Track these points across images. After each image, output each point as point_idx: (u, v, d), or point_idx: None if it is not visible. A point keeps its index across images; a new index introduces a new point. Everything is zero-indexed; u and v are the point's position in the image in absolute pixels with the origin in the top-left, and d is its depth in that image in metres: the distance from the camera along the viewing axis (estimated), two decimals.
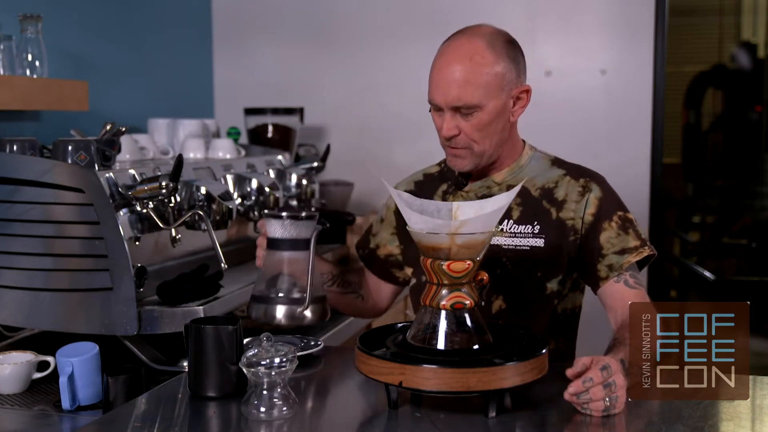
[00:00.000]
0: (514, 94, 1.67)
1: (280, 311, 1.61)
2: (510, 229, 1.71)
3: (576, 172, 1.75)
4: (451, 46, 1.67)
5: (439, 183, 1.84)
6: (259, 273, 1.68)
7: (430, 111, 1.72)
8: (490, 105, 1.64)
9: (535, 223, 1.70)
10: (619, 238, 1.68)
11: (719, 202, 5.20)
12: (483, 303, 1.44)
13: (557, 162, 1.78)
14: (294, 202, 2.52)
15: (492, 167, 1.75)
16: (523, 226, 1.71)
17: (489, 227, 1.37)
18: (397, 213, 1.86)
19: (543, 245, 1.69)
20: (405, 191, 1.82)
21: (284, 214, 1.63)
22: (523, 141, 1.79)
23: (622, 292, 1.66)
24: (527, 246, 1.69)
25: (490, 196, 1.70)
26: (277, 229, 1.63)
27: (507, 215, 1.71)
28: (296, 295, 1.63)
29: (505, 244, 1.70)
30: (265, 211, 1.65)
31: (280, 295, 1.63)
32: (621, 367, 1.34)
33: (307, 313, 1.62)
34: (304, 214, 1.64)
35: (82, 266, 1.80)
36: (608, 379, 1.30)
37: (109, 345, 1.76)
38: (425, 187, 1.85)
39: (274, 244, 1.64)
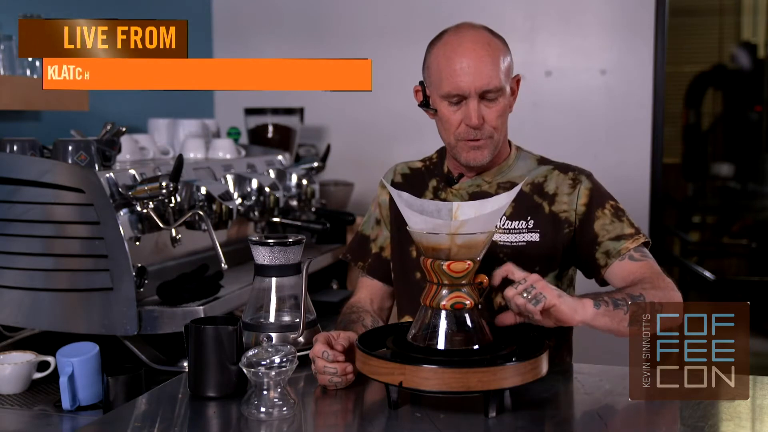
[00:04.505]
0: (512, 84, 1.71)
1: (274, 339, 1.60)
2: (503, 225, 1.71)
3: (563, 167, 1.77)
4: (461, 38, 1.66)
5: (427, 178, 1.82)
6: (250, 298, 1.67)
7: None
8: (507, 90, 1.67)
9: (529, 218, 1.71)
10: (613, 224, 1.68)
11: (719, 202, 5.20)
12: (480, 306, 1.43)
13: (543, 160, 1.79)
14: (294, 202, 2.52)
15: (483, 165, 1.75)
16: (517, 222, 1.71)
17: (489, 227, 1.37)
18: (391, 206, 1.83)
19: (539, 239, 1.69)
20: (393, 182, 1.82)
21: (271, 241, 1.62)
22: (509, 140, 1.80)
23: (629, 267, 1.63)
24: (523, 241, 1.70)
25: (481, 194, 1.71)
26: (265, 255, 1.62)
27: None
28: (288, 321, 1.64)
29: (501, 241, 1.70)
30: (251, 238, 1.64)
31: (272, 321, 1.63)
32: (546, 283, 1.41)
33: (301, 339, 1.63)
34: (291, 239, 1.63)
35: (82, 266, 1.80)
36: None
37: (109, 345, 1.76)
38: (414, 180, 1.83)
39: (263, 270, 1.63)
